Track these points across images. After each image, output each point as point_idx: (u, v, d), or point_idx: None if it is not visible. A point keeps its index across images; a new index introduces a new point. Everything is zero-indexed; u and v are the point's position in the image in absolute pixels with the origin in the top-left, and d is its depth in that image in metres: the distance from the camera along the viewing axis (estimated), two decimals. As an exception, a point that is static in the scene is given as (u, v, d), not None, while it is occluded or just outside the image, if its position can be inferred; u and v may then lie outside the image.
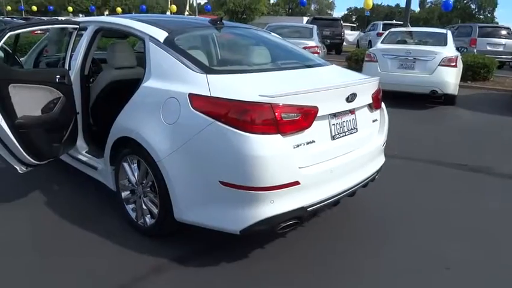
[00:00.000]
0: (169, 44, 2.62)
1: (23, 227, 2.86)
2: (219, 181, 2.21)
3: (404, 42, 8.14)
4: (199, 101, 2.27)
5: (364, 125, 2.75)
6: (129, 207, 2.88)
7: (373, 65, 7.45)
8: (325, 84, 2.45)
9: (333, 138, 2.48)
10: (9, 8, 44.01)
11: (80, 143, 3.36)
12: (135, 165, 2.74)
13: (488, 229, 3.03)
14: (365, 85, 2.73)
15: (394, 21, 20.24)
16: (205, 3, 46.56)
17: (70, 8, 46.14)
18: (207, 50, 2.96)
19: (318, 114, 2.31)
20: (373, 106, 2.82)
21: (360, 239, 2.86)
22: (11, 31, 2.55)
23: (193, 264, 2.50)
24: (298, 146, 2.25)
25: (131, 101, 2.69)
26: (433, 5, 70.03)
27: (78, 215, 3.03)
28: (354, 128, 2.65)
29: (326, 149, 2.43)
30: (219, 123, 2.17)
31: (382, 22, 18.31)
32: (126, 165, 2.79)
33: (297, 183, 2.23)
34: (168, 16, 4.39)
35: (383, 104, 3.01)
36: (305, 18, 30.01)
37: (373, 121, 2.89)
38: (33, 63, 3.93)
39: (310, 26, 11.49)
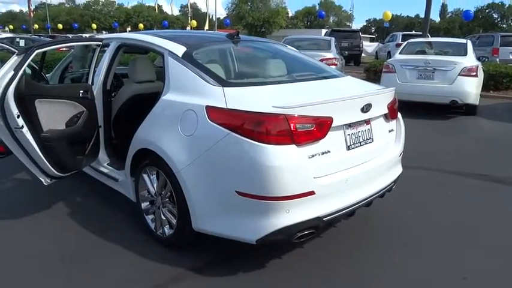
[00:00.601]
0: (187, 59, 2.71)
1: (48, 238, 2.96)
2: (236, 191, 2.26)
3: (424, 52, 8.08)
4: (215, 113, 2.34)
5: (380, 135, 2.75)
6: (149, 217, 2.95)
7: (391, 75, 7.42)
8: (339, 95, 2.49)
9: (348, 148, 2.49)
10: (36, 26, 45.76)
11: (102, 155, 3.47)
12: (154, 176, 2.81)
13: (508, 240, 2.96)
14: (380, 95, 2.74)
15: (413, 32, 20.12)
16: (225, 17, 47.33)
17: (94, 25, 47.73)
18: (224, 64, 3.03)
19: (333, 125, 2.33)
20: (389, 116, 2.83)
21: (376, 249, 2.84)
22: (38, 49, 2.70)
23: (211, 273, 2.53)
24: (313, 156, 2.28)
25: (151, 114, 2.78)
26: (454, 14, 69.16)
27: (100, 226, 3.12)
28: (370, 138, 2.66)
29: (341, 159, 2.45)
30: (235, 135, 2.22)
31: (401, 33, 18.22)
32: (145, 176, 2.87)
33: (312, 193, 2.25)
34: (187, 31, 4.53)
35: (399, 114, 3.01)
36: (323, 31, 30.12)
37: (390, 131, 2.89)
38: (58, 79, 4.11)
39: (328, 38, 11.54)
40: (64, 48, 17.32)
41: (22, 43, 15.65)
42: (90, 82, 3.29)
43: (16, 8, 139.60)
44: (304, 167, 2.23)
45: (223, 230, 2.39)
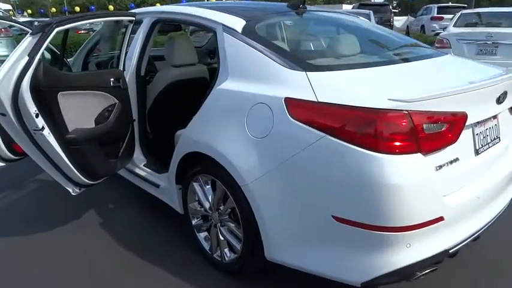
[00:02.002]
0: (249, 34, 2.06)
1: (78, 254, 2.43)
2: (332, 216, 1.64)
3: (481, 25, 7.19)
4: (300, 108, 1.70)
5: (507, 131, 2.07)
6: (201, 235, 2.37)
7: (446, 51, 6.58)
8: (467, 82, 1.80)
9: (477, 152, 1.83)
10: (54, 10, 45.44)
11: (137, 154, 2.90)
12: (209, 186, 2.22)
13: None
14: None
15: (450, 4, 18.72)
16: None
17: (111, 7, 47.08)
18: (295, 41, 2.37)
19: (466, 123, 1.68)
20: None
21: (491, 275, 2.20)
22: (58, 26, 2.08)
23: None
24: (440, 167, 1.63)
25: (203, 109, 2.16)
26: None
27: (137, 240, 2.57)
28: (497, 137, 1.99)
29: (470, 168, 1.79)
30: (333, 139, 1.59)
31: (436, 5, 16.93)
32: (196, 186, 2.28)
33: (440, 219, 1.61)
34: (233, 2, 3.82)
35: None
36: (344, 6, 28.60)
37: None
38: (81, 64, 3.51)
39: (367, 11, 10.59)
40: (83, 31, 16.86)
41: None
42: (121, 67, 2.69)
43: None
44: (432, 185, 1.59)
45: (310, 264, 1.79)
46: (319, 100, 1.66)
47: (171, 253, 2.44)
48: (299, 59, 1.93)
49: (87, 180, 2.46)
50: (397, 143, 1.52)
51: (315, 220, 1.71)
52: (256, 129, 1.83)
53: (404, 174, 1.52)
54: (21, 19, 24.56)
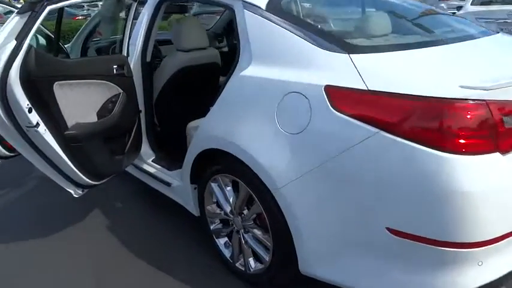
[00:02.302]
0: (275, 11, 1.75)
1: (82, 258, 2.18)
2: (387, 228, 1.37)
3: (497, 2, 6.82)
4: (346, 99, 1.42)
5: None
6: (220, 242, 2.11)
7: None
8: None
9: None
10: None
11: (145, 149, 2.63)
12: (230, 188, 1.95)
13: None
14: None
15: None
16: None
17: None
18: (329, 18, 2.05)
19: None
20: None
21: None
22: (50, 3, 1.77)
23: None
24: (517, 167, 1.35)
25: (222, 99, 1.87)
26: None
27: (148, 242, 2.32)
28: None
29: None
30: (389, 135, 1.31)
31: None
32: (215, 186, 2.01)
33: (517, 230, 1.34)
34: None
35: None
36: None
37: None
38: (80, 50, 3.21)
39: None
40: (80, 17, 16.32)
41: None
42: (124, 53, 2.39)
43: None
44: (510, 190, 1.31)
45: (355, 282, 1.52)
46: (370, 88, 1.37)
47: (187, 258, 2.19)
48: (337, 39, 1.63)
49: (90, 181, 2.19)
50: (472, 140, 1.24)
51: (363, 232, 1.44)
52: (289, 123, 1.55)
53: (480, 178, 1.25)
54: (18, 6, 23.81)
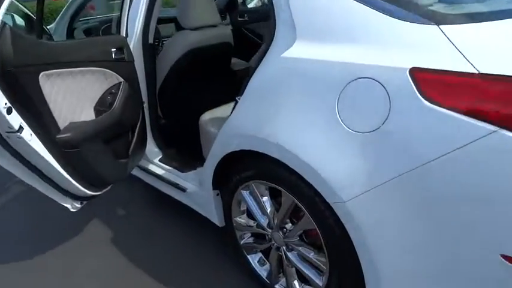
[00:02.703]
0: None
1: (81, 277, 1.83)
2: (503, 255, 1.02)
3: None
4: (443, 85, 1.05)
5: None
6: (254, 258, 1.76)
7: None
8: None
9: None
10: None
11: (150, 146, 2.25)
12: (267, 198, 1.59)
13: None
14: None
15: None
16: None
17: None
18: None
19: None
20: None
21: None
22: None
23: None
24: None
25: (255, 87, 1.49)
26: None
27: (162, 259, 1.96)
28: None
29: None
30: (513, 135, 0.95)
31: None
32: (247, 195, 1.65)
33: None
34: None
35: None
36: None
37: None
38: (66, 31, 2.75)
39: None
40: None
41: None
42: (123, 33, 1.97)
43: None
44: None
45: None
46: (481, 71, 1.00)
47: (212, 276, 1.85)
48: (418, 6, 1.24)
49: (90, 191, 1.81)
50: None
51: (467, 258, 1.09)
52: (357, 118, 1.18)
53: None
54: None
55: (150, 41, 2.10)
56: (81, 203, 1.84)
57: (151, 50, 2.12)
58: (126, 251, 2.06)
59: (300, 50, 1.33)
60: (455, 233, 1.08)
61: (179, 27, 2.31)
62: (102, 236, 2.18)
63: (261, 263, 1.75)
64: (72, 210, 1.83)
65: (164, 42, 2.79)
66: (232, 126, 1.58)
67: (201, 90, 2.40)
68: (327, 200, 1.27)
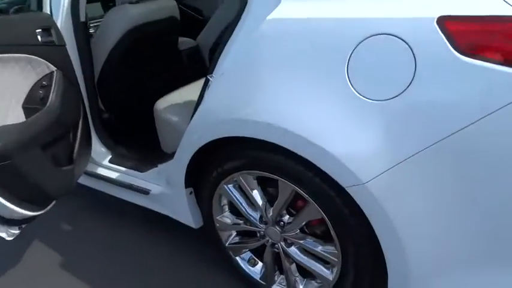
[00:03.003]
0: None
1: None
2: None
3: None
4: (483, 35, 0.89)
5: None
6: (243, 260, 1.54)
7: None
8: None
9: None
10: None
11: (96, 147, 1.90)
12: (256, 191, 1.36)
13: None
14: None
15: None
16: None
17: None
18: None
19: None
20: None
21: None
22: None
23: None
24: None
25: (234, 60, 1.23)
26: None
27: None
28: None
29: None
30: None
31: None
32: (233, 189, 1.41)
33: None
34: None
35: None
36: None
37: None
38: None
39: None
40: None
41: None
42: (47, 10, 1.59)
43: None
44: None
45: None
46: (527, 12, 0.85)
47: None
48: None
49: (29, 212, 1.44)
50: None
51: (502, 240, 0.97)
52: (373, 84, 0.99)
53: None
54: None
55: (82, 19, 1.73)
56: (19, 228, 1.47)
57: (84, 30, 1.75)
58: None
59: (292, 9, 1.10)
60: (502, 211, 0.94)
61: (107, 5, 1.98)
62: (53, 262, 1.80)
63: (251, 263, 1.54)
64: (8, 239, 1.45)
65: (92, 25, 2.39)
66: (208, 111, 1.32)
67: (147, 75, 2.08)
68: (341, 184, 1.07)
